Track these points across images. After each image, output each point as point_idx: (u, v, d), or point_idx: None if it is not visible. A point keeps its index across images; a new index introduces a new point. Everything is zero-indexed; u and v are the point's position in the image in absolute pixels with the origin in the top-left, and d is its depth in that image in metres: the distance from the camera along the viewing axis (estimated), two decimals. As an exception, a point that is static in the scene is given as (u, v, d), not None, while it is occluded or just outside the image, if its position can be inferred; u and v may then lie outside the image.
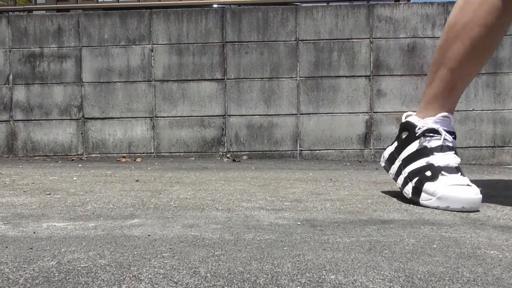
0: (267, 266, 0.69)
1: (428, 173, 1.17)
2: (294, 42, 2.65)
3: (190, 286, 0.62)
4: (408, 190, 1.21)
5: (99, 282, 0.63)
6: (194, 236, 0.88)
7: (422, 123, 1.23)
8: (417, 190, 1.18)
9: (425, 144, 1.21)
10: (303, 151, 2.65)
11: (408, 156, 1.24)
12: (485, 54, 1.17)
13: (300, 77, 2.65)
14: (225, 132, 2.66)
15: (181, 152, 2.66)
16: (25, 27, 2.68)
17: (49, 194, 1.37)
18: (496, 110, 2.64)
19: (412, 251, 0.78)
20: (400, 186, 1.25)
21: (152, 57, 2.66)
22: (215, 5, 2.77)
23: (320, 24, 2.65)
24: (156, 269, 0.68)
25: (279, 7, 2.66)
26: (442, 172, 1.15)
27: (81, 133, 2.68)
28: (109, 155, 2.67)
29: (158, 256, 0.74)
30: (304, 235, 0.89)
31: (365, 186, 1.54)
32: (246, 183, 1.62)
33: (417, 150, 1.22)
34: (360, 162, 2.57)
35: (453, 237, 0.88)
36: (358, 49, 2.64)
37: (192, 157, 2.65)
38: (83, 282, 0.63)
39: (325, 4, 2.73)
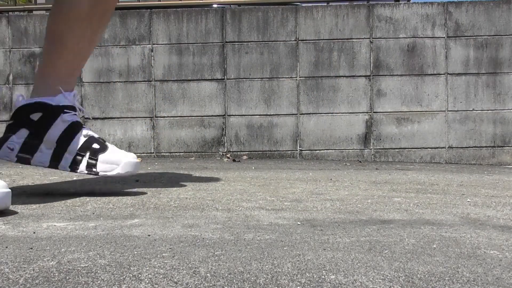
0: (267, 266, 0.69)
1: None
2: (294, 42, 2.65)
3: (190, 286, 0.62)
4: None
5: (99, 282, 0.63)
6: (194, 236, 0.88)
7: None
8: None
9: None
10: (303, 151, 2.65)
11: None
12: None
13: (300, 77, 2.65)
14: (225, 132, 2.66)
15: (181, 152, 2.66)
16: (25, 27, 2.68)
17: (49, 194, 1.37)
18: (496, 110, 2.64)
19: (412, 251, 0.78)
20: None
21: (152, 57, 2.67)
22: (215, 5, 2.77)
23: (320, 24, 2.65)
24: (156, 269, 0.68)
25: (279, 7, 2.66)
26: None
27: (81, 133, 2.68)
28: (109, 155, 2.66)
29: (158, 256, 0.74)
30: (304, 235, 0.89)
31: (365, 186, 1.54)
32: (246, 183, 1.62)
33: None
34: (360, 162, 2.57)
35: (453, 237, 0.88)
36: (358, 49, 2.64)
37: (192, 157, 2.65)
38: (83, 282, 0.63)
39: (325, 4, 2.73)
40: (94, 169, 1.23)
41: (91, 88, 2.67)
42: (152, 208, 1.16)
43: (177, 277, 0.65)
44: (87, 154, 1.22)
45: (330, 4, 2.72)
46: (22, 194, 1.36)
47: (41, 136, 1.21)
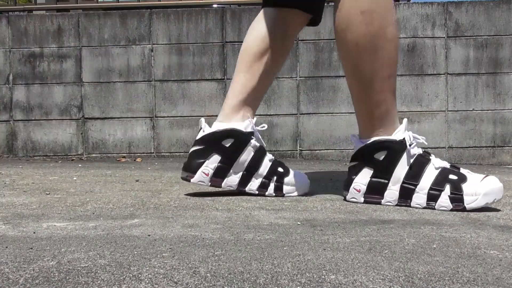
0: (267, 266, 0.70)
1: (453, 177, 1.14)
2: (294, 42, 2.65)
3: (190, 286, 0.62)
4: (445, 203, 1.13)
5: (99, 282, 0.63)
6: (194, 236, 0.88)
7: (400, 135, 1.18)
8: (458, 197, 1.12)
9: (415, 152, 1.18)
10: (303, 151, 2.65)
11: (409, 173, 1.16)
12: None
13: (300, 77, 2.65)
14: (225, 132, 2.66)
15: (181, 152, 2.66)
16: (25, 27, 2.68)
17: (49, 194, 1.37)
18: (496, 110, 2.64)
19: (412, 251, 0.78)
20: (423, 205, 1.16)
21: (152, 57, 2.67)
22: (215, 5, 2.77)
23: (320, 24, 2.64)
24: (156, 269, 0.68)
25: (279, 7, 2.66)
26: (461, 171, 1.16)
27: (81, 133, 2.68)
28: (109, 155, 2.67)
29: (158, 256, 0.74)
30: (304, 235, 0.89)
31: (365, 186, 1.54)
32: (246, 183, 1.62)
33: (414, 163, 1.16)
34: (360, 162, 2.57)
35: (453, 237, 0.88)
36: (358, 49, 2.64)
37: (192, 157, 2.65)
38: (83, 282, 0.63)
39: (325, 4, 2.72)
40: (280, 192, 1.30)
41: (91, 88, 2.67)
42: (152, 208, 1.16)
43: (177, 277, 0.65)
44: (274, 178, 1.29)
45: (330, 4, 2.72)
46: (22, 194, 1.36)
47: (232, 161, 1.27)
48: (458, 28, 2.63)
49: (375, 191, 1.20)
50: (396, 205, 1.18)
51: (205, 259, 0.73)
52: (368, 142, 1.20)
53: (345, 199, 1.25)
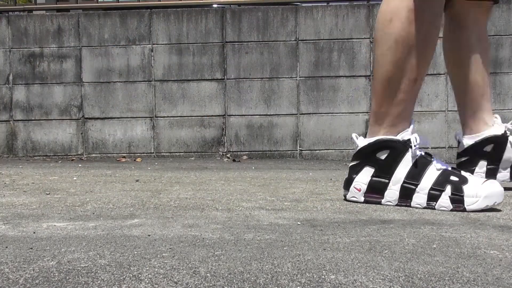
0: (267, 266, 0.69)
1: (455, 178, 1.14)
2: (294, 42, 2.65)
3: (190, 286, 0.62)
4: (445, 203, 1.13)
5: (99, 282, 0.63)
6: (194, 236, 0.88)
7: (403, 136, 1.18)
8: (458, 198, 1.12)
9: (417, 154, 1.18)
10: (303, 151, 2.65)
11: (410, 173, 1.16)
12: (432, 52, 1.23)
13: (300, 77, 2.65)
14: (225, 132, 2.66)
15: (181, 152, 2.66)
16: (25, 27, 2.68)
17: (49, 194, 1.37)
18: (496, 110, 2.64)
19: (412, 251, 0.78)
20: (424, 205, 1.15)
21: (152, 57, 2.67)
22: (215, 5, 2.77)
23: (320, 24, 2.65)
24: (156, 269, 0.68)
25: (279, 7, 2.66)
26: (462, 173, 1.16)
27: (81, 133, 2.68)
28: (109, 155, 2.67)
29: (158, 256, 0.74)
30: (304, 235, 0.89)
31: (365, 186, 1.54)
32: (246, 183, 1.62)
33: (416, 163, 1.17)
34: (360, 162, 2.57)
35: (453, 237, 0.88)
36: (358, 49, 2.64)
37: (192, 157, 2.65)
38: (83, 282, 0.63)
39: (325, 4, 2.73)
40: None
41: (91, 88, 2.67)
42: (152, 208, 1.16)
43: (177, 277, 0.65)
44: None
45: (330, 4, 2.72)
46: (22, 194, 1.36)
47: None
48: (458, 28, 2.63)
49: (375, 191, 1.20)
50: (396, 205, 1.18)
51: (205, 259, 0.73)
52: (371, 141, 1.20)
53: (345, 199, 1.25)
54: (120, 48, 2.67)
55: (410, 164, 1.17)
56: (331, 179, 1.74)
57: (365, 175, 1.20)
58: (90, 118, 2.67)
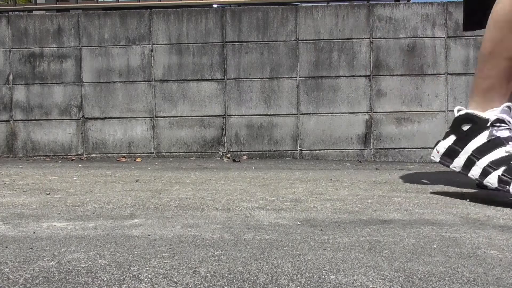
0: (267, 266, 0.69)
1: None
2: (294, 42, 2.65)
3: (190, 286, 0.62)
4: (493, 180, 1.18)
5: (99, 282, 0.63)
6: (194, 236, 0.88)
7: (488, 114, 1.25)
8: (506, 180, 1.16)
9: (496, 134, 1.23)
10: (303, 151, 2.65)
11: (479, 147, 1.24)
12: None
13: (300, 77, 2.65)
14: (225, 132, 2.66)
15: (181, 152, 2.66)
16: (25, 27, 2.68)
17: (49, 194, 1.37)
18: (496, 110, 2.64)
19: (412, 251, 0.78)
20: (476, 177, 1.23)
21: (152, 57, 2.67)
22: (215, 5, 2.77)
23: (320, 24, 2.65)
24: (156, 269, 0.68)
25: (279, 7, 2.66)
26: None
27: (81, 133, 2.68)
28: (109, 155, 2.67)
29: (158, 256, 0.74)
30: (304, 235, 0.89)
31: (365, 186, 1.54)
32: (246, 183, 1.62)
33: (488, 141, 1.23)
34: (360, 162, 2.57)
35: (453, 237, 0.88)
36: (358, 49, 2.64)
37: (192, 157, 2.65)
38: (83, 282, 0.63)
39: (325, 4, 2.73)
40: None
41: (91, 88, 2.67)
42: (152, 208, 1.16)
43: (177, 277, 0.65)
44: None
45: (330, 4, 2.72)
46: (22, 194, 1.36)
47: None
48: (458, 28, 2.63)
49: (448, 156, 1.31)
50: (459, 172, 1.28)
51: (205, 259, 0.73)
52: (462, 113, 1.30)
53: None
54: (120, 48, 2.67)
55: (484, 141, 1.24)
56: (331, 179, 1.74)
57: (447, 141, 1.32)
58: (90, 118, 2.67)
